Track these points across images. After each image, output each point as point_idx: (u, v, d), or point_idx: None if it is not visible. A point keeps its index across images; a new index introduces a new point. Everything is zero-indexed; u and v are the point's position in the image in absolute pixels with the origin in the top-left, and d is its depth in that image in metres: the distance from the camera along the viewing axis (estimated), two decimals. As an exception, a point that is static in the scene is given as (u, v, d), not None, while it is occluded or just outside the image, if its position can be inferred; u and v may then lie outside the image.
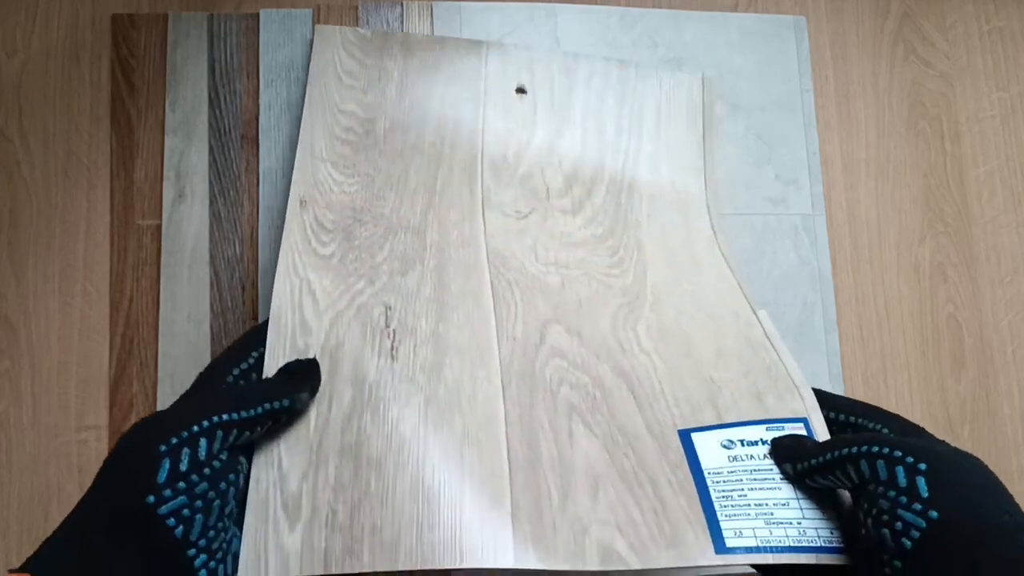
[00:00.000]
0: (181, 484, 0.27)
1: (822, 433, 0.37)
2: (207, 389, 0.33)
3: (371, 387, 0.37)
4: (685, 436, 0.38)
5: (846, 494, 0.34)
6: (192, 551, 0.27)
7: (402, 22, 0.55)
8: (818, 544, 0.33)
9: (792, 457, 0.35)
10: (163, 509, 0.26)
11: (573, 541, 0.33)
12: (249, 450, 0.34)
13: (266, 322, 0.38)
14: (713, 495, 0.35)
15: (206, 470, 0.28)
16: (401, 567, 0.31)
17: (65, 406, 0.50)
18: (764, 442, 0.37)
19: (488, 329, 0.41)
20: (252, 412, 0.31)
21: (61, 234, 0.52)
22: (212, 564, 0.28)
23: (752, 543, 0.33)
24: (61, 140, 0.52)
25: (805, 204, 0.58)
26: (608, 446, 0.37)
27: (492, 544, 0.32)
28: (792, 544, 0.33)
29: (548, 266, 0.47)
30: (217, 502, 0.28)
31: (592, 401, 0.39)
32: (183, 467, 0.27)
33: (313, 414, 0.35)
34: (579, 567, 0.32)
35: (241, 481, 0.31)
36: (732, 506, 0.34)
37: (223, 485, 0.29)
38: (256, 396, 0.32)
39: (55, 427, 0.49)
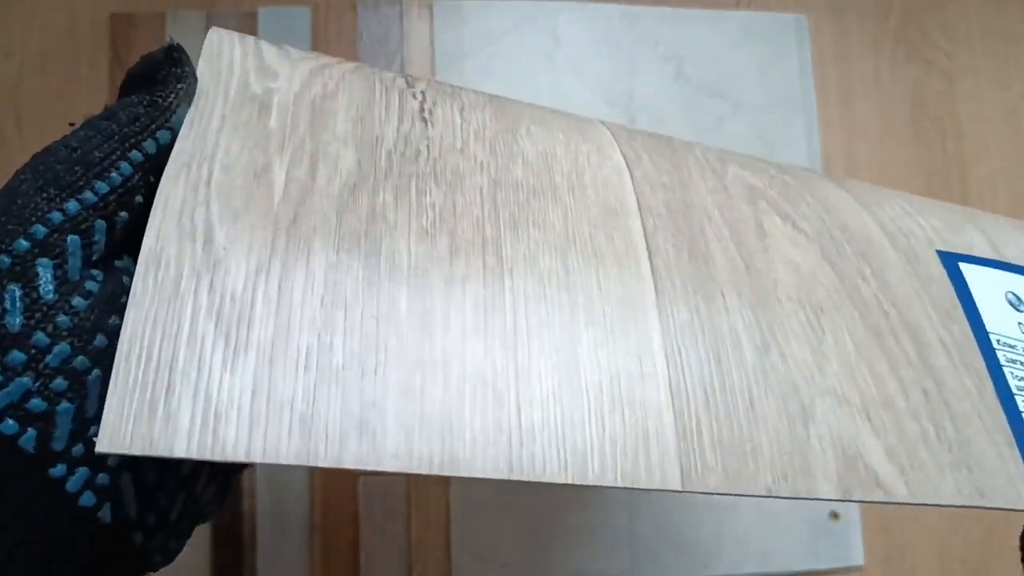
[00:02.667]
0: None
1: None
2: (16, 175, 0.18)
3: (390, 154, 0.20)
4: (951, 263, 0.24)
5: None
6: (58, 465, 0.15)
7: (401, 21, 0.55)
8: None
9: None
10: None
11: (786, 437, 0.18)
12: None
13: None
14: (1011, 382, 0.22)
15: (76, 299, 0.16)
16: (464, 472, 0.16)
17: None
18: None
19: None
20: (115, 174, 0.17)
21: (59, 234, 0.51)
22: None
23: None
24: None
25: (807, 204, 0.58)
26: (828, 253, 0.22)
27: (645, 450, 0.17)
28: None
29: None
30: (96, 371, 0.16)
31: (784, 186, 0.24)
32: (45, 293, 0.15)
33: (276, 169, 0.19)
34: (797, 493, 0.17)
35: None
36: None
37: (96, 317, 0.16)
38: (101, 146, 0.18)
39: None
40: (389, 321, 0.17)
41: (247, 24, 0.54)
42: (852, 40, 0.61)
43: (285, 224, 0.18)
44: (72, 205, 0.16)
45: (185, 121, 0.19)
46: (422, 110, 0.22)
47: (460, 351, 0.17)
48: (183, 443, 0.14)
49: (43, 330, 0.15)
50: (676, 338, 0.19)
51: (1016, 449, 0.20)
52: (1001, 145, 0.61)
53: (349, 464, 0.15)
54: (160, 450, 0.14)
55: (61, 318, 0.15)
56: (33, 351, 0.15)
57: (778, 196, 0.23)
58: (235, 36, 0.23)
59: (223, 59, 0.21)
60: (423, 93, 0.23)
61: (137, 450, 0.14)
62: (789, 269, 0.21)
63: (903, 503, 0.18)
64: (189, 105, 0.19)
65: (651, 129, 0.59)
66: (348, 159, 0.20)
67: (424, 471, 0.15)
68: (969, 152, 0.61)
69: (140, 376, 0.14)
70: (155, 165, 0.18)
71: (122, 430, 0.14)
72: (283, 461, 0.15)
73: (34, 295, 0.15)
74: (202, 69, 0.21)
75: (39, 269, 0.16)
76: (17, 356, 0.15)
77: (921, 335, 0.22)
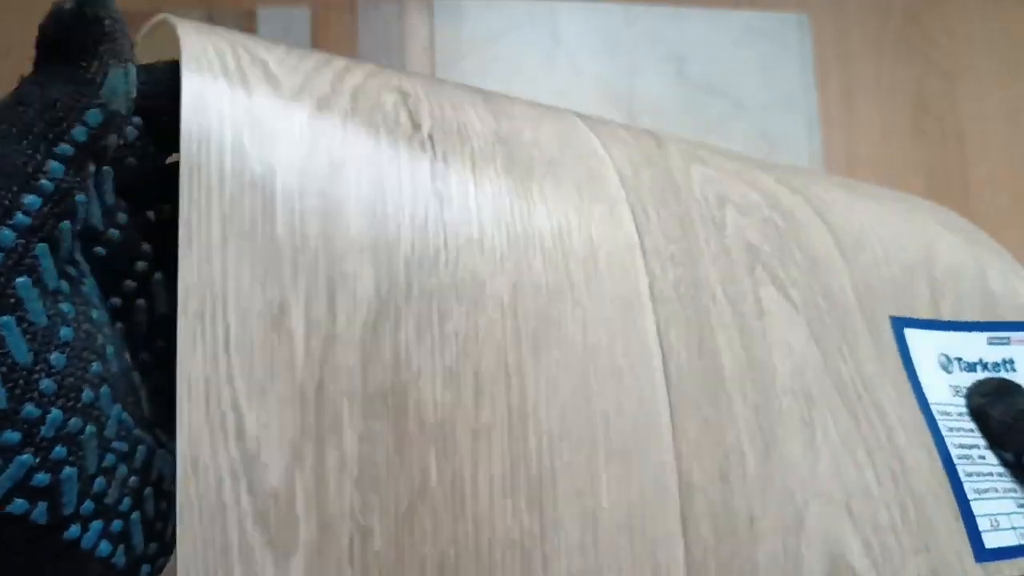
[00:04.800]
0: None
1: None
2: None
3: (408, 264, 0.19)
4: (899, 329, 0.25)
5: None
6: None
7: (401, 21, 0.55)
8: None
9: (1001, 438, 0.24)
10: None
11: (780, 552, 0.20)
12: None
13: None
14: (952, 451, 0.23)
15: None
16: None
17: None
18: (985, 366, 0.26)
19: (588, 127, 0.24)
20: (38, 193, 0.14)
21: (58, 234, 0.51)
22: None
23: (1015, 540, 0.22)
24: (58, 140, 0.52)
25: (808, 204, 0.58)
26: (815, 329, 0.23)
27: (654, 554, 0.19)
28: None
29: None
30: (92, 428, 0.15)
31: (777, 234, 0.24)
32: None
33: (294, 311, 0.18)
34: None
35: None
36: (977, 474, 0.23)
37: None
38: (23, 154, 0.14)
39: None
40: (422, 497, 0.17)
41: (247, 24, 0.54)
42: (854, 39, 0.61)
43: (312, 392, 0.17)
44: (6, 235, 0.14)
45: (182, 225, 0.16)
46: (433, 178, 0.20)
47: (489, 517, 0.18)
48: None
49: (31, 401, 0.14)
50: (688, 459, 0.20)
51: (961, 522, 0.22)
52: (1002, 144, 0.61)
53: None
54: None
55: (44, 382, 0.14)
56: (26, 426, 0.14)
57: (772, 254, 0.24)
58: (213, 54, 0.20)
59: (209, 101, 0.19)
60: (431, 142, 0.21)
61: None
62: (784, 354, 0.23)
63: None
64: (123, 68, 0.16)
65: (653, 128, 0.59)
66: (366, 281, 0.19)
67: None
68: (970, 151, 0.61)
69: None
70: (90, 153, 0.15)
71: None
72: None
73: (9, 362, 0.14)
74: (187, 120, 0.18)
75: (2, 332, 0.14)
76: (12, 436, 0.14)
77: (886, 416, 0.23)
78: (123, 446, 0.16)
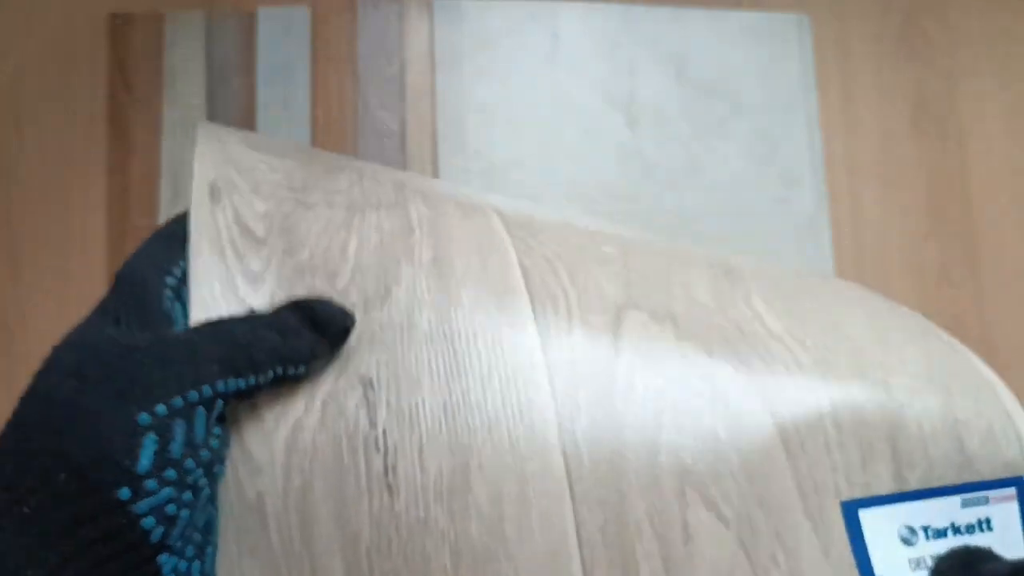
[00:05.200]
0: (170, 472, 0.19)
1: None
2: (196, 331, 0.22)
3: (368, 553, 0.23)
4: (851, 513, 0.25)
5: None
6: (164, 556, 0.19)
7: (401, 21, 0.55)
8: None
9: None
10: (141, 506, 0.18)
11: None
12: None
13: (175, 224, 0.26)
14: None
15: (203, 452, 0.20)
16: None
17: (61, 408, 0.49)
18: (957, 530, 0.25)
19: (530, 355, 0.26)
20: (262, 378, 0.22)
21: (57, 234, 0.51)
22: (182, 566, 0.20)
23: None
24: (57, 140, 0.52)
25: (808, 205, 0.57)
26: (745, 541, 0.24)
27: None
28: None
29: (595, 228, 0.30)
30: (206, 491, 0.21)
31: (714, 447, 0.25)
32: (175, 449, 0.19)
33: None
34: None
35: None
36: None
37: (217, 468, 0.21)
38: (268, 354, 0.22)
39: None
40: None
41: (245, 23, 0.54)
42: (854, 40, 0.61)
43: None
44: (220, 385, 0.21)
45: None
46: (386, 472, 0.24)
47: None
48: None
49: (192, 458, 0.20)
50: None
51: None
52: (1003, 145, 0.61)
53: None
54: None
55: (203, 453, 0.20)
56: (180, 471, 0.19)
57: (706, 472, 0.25)
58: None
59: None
60: (384, 435, 0.24)
61: None
62: (709, 575, 0.24)
63: None
64: (326, 361, 0.24)
65: (652, 129, 0.59)
66: (338, 571, 0.23)
67: None
68: (971, 152, 0.61)
69: None
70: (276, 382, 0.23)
71: None
72: None
73: (191, 436, 0.20)
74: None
75: (178, 426, 0.20)
76: (171, 472, 0.19)
77: None
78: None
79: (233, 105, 0.53)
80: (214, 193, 0.26)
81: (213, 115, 0.53)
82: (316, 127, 0.53)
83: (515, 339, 0.26)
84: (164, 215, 0.51)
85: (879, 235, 0.58)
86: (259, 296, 0.25)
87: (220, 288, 0.25)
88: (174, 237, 0.25)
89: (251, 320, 0.23)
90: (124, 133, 0.52)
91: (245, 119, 0.53)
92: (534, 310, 0.27)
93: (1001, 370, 0.58)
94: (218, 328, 0.22)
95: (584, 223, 0.31)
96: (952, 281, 0.59)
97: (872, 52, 0.61)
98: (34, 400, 0.20)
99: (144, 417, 0.19)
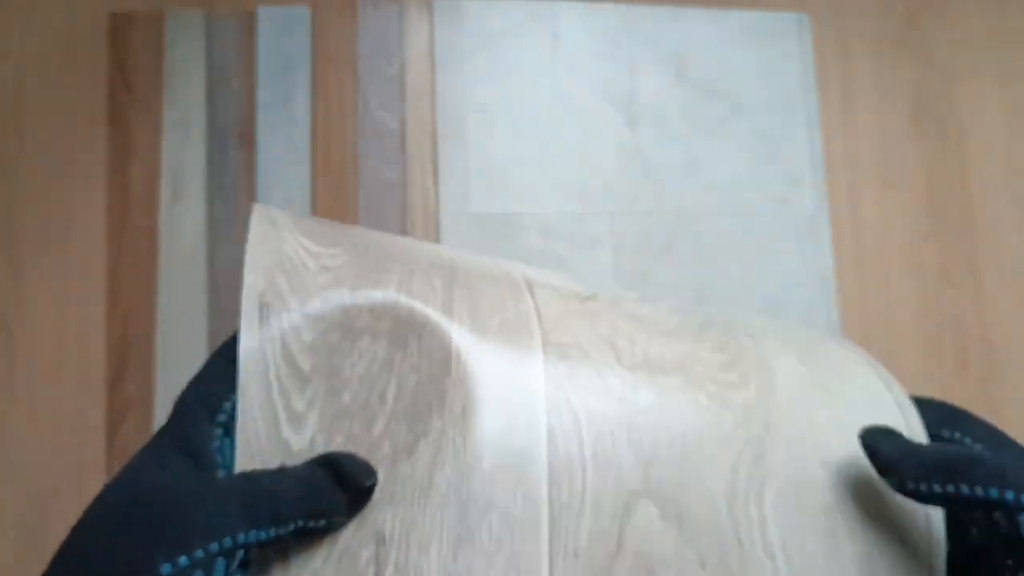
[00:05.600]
0: None
1: None
2: (229, 481, 0.25)
3: None
4: None
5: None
6: None
7: (401, 21, 0.55)
8: None
9: (895, 468, 0.27)
10: None
11: None
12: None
13: (232, 345, 0.27)
14: None
15: None
16: None
17: (61, 407, 0.49)
18: None
19: (535, 540, 0.26)
20: (283, 530, 0.23)
21: (57, 234, 0.51)
22: None
23: None
24: (57, 140, 0.52)
25: (809, 205, 0.57)
26: None
27: None
28: None
29: (636, 371, 0.30)
30: None
31: None
32: None
33: None
34: None
35: None
36: None
37: None
38: (291, 508, 0.24)
39: (51, 428, 0.49)
40: None
41: (245, 22, 0.54)
42: (854, 40, 0.61)
43: None
44: (241, 537, 0.22)
45: None
46: None
47: None
48: None
49: None
50: None
51: None
52: (1003, 145, 0.61)
53: None
54: None
55: None
56: None
57: None
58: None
59: None
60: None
61: None
62: None
63: None
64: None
65: (653, 129, 0.59)
66: None
67: None
68: (971, 152, 0.61)
69: None
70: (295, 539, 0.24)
71: None
72: None
73: None
74: None
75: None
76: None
77: None
78: None
79: (233, 105, 0.53)
80: (263, 312, 0.27)
81: (213, 115, 0.53)
82: (316, 127, 0.53)
83: (525, 517, 0.26)
84: (164, 215, 0.51)
85: (879, 235, 0.58)
86: (300, 439, 0.26)
87: (265, 432, 0.26)
88: (227, 362, 0.26)
89: (281, 474, 0.25)
90: (124, 133, 0.52)
91: (245, 119, 0.53)
92: (549, 491, 0.27)
93: (1001, 370, 0.58)
94: (249, 480, 0.24)
95: (631, 355, 0.31)
96: (952, 281, 0.59)
97: (872, 52, 0.61)
98: (79, 537, 0.22)
99: (167, 568, 0.21)
